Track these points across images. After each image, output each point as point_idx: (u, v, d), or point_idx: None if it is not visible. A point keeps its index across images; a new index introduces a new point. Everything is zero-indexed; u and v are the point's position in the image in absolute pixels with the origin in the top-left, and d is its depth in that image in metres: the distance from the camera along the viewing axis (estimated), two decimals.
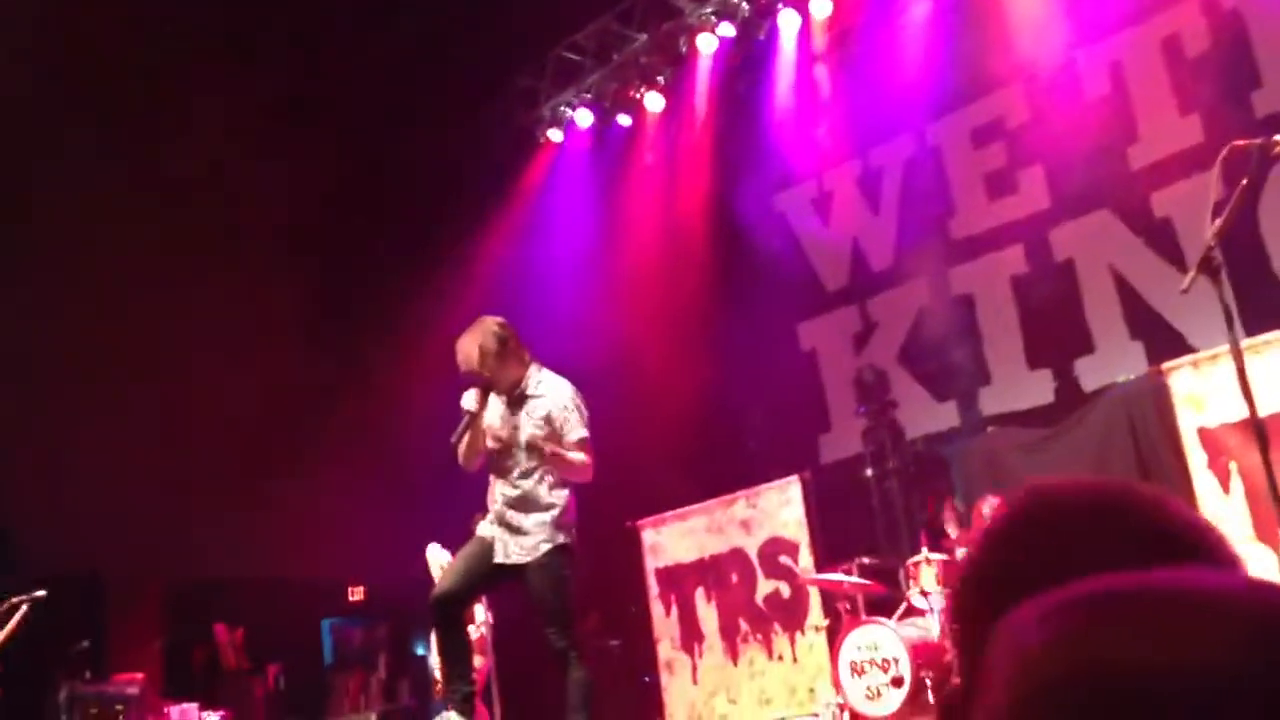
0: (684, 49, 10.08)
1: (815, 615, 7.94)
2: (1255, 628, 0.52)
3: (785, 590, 8.24)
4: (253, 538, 8.51)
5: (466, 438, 4.87)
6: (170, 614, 9.09)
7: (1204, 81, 8.00)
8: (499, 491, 4.92)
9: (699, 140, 10.45)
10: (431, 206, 9.51)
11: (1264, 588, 0.56)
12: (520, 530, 4.83)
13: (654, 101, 10.51)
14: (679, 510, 9.01)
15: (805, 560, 8.05)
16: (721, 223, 10.18)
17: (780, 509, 8.36)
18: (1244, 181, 4.11)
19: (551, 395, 4.86)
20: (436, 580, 7.67)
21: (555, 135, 10.89)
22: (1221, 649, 0.51)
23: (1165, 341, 7.57)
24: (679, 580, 8.90)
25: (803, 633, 8.09)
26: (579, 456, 4.80)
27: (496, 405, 4.97)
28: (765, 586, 8.38)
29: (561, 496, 4.89)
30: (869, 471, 8.60)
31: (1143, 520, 0.67)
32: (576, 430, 4.83)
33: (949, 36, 9.02)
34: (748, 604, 8.46)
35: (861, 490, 8.59)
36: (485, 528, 4.93)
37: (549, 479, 4.86)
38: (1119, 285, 8.30)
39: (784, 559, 8.11)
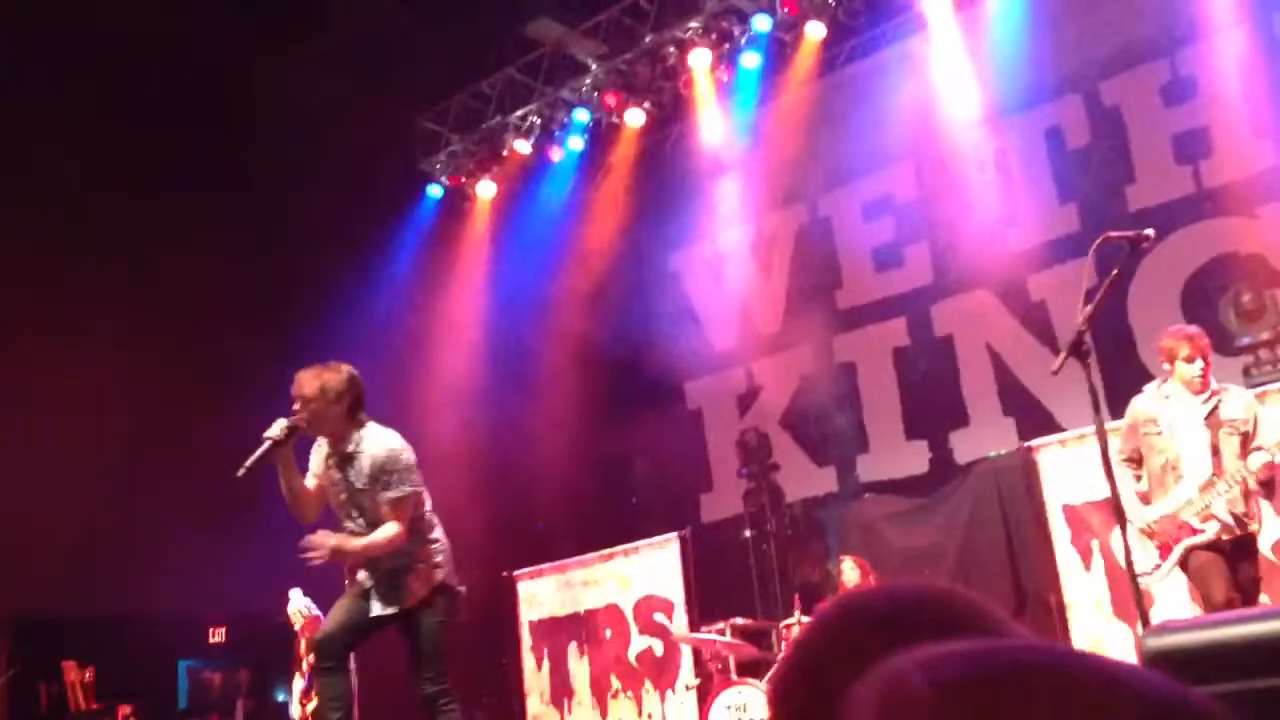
0: (590, 104, 10.16)
1: (687, 674, 7.92)
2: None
3: (658, 648, 8.22)
4: (108, 572, 8.15)
5: (283, 485, 4.70)
6: (15, 649, 8.63)
7: (1082, 173, 8.38)
8: None
9: (599, 196, 10.52)
10: (324, 250, 9.31)
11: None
12: (391, 582, 4.72)
13: (555, 154, 10.55)
14: (557, 563, 8.93)
15: (680, 619, 8.05)
16: (616, 278, 10.23)
17: (658, 566, 8.35)
18: (1115, 272, 4.31)
19: (372, 452, 4.68)
20: (294, 625, 7.48)
21: (454, 181, 10.83)
22: None
23: (1036, 419, 7.83)
24: (552, 633, 8.80)
25: (673, 691, 8.07)
26: (380, 537, 4.63)
27: (326, 466, 4.84)
28: (639, 643, 8.34)
29: (420, 541, 4.77)
30: (748, 532, 8.65)
31: (934, 613, 0.73)
32: (396, 489, 4.66)
33: (843, 112, 9.29)
34: (620, 660, 8.41)
35: (739, 551, 8.63)
36: (364, 575, 4.81)
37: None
38: (995, 363, 8.57)
39: (659, 616, 8.10)
